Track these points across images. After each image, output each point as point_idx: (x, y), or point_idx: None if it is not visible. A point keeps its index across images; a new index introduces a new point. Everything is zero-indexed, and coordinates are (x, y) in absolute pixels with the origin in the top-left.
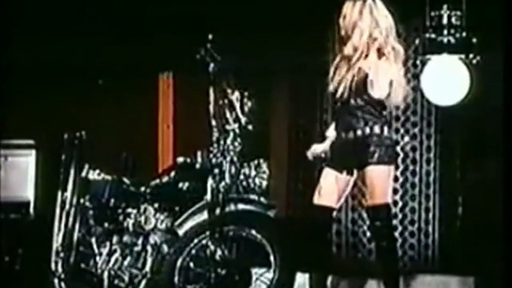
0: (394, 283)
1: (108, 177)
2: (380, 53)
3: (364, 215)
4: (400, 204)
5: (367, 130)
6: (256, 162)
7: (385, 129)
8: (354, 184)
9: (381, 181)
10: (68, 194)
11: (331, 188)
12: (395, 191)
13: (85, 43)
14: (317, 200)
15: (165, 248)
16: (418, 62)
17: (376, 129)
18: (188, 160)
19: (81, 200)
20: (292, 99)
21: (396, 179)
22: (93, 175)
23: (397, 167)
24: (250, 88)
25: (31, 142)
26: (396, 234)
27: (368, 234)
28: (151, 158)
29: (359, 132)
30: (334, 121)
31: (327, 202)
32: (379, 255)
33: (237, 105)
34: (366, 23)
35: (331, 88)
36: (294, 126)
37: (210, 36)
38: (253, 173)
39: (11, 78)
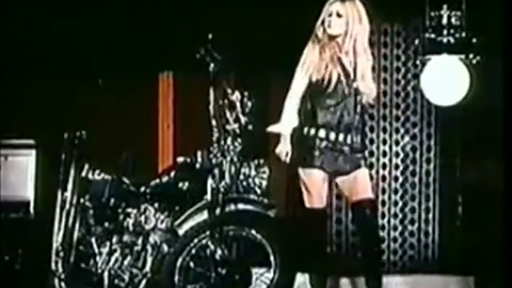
0: (377, 279)
1: (108, 177)
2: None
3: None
4: (400, 204)
5: (359, 135)
6: (256, 162)
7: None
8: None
9: (367, 180)
10: (68, 193)
11: (320, 190)
12: (395, 191)
13: (85, 42)
14: (309, 203)
15: (165, 247)
16: (418, 62)
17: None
18: (188, 160)
19: (81, 200)
20: None
21: (396, 179)
22: (93, 174)
23: None
24: (250, 88)
25: (31, 141)
26: (396, 234)
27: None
28: (151, 157)
29: (355, 136)
30: (326, 121)
31: (318, 204)
32: (364, 250)
33: (238, 105)
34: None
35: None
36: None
37: (210, 36)
38: (253, 173)
39: (11, 77)
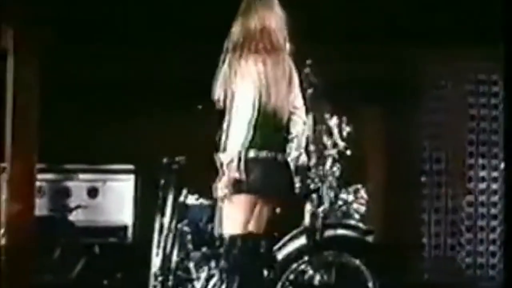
0: None
1: (206, 202)
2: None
3: None
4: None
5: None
6: (354, 187)
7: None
8: None
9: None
10: (166, 218)
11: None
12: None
13: (182, 71)
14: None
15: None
16: None
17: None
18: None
19: (179, 225)
20: (388, 123)
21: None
22: (191, 199)
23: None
24: (347, 113)
25: (130, 167)
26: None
27: None
28: None
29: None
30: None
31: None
32: None
33: (335, 130)
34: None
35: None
36: (390, 151)
37: (308, 61)
38: (351, 198)
39: (112, 103)
